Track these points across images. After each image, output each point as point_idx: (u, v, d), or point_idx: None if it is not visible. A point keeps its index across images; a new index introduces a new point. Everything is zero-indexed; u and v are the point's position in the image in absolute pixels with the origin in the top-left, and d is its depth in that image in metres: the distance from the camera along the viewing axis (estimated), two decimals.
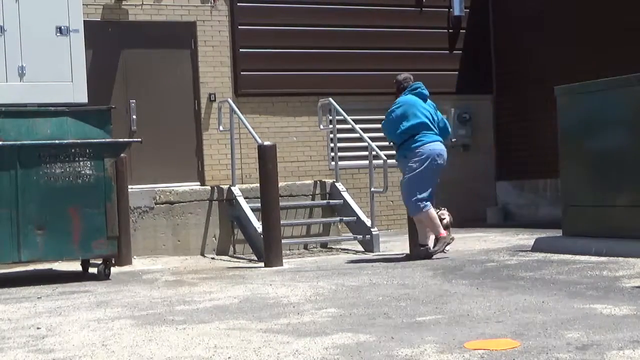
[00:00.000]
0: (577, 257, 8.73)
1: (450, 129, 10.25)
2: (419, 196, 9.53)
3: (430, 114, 9.75)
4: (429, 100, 9.86)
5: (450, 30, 15.29)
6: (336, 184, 12.31)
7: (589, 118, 9.35)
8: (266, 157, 10.05)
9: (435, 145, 9.66)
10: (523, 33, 14.97)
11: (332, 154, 13.18)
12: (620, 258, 8.35)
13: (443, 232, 9.59)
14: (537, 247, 9.68)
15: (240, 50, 13.77)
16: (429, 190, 9.58)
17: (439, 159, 9.66)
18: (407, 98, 9.78)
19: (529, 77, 14.74)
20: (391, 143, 10.22)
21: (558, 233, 9.94)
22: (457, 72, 15.28)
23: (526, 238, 11.17)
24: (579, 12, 13.83)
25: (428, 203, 9.54)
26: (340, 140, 12.91)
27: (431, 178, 9.66)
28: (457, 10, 15.15)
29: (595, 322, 5.20)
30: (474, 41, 15.40)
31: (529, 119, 14.72)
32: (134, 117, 13.03)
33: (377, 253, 10.86)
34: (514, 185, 15.20)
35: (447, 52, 15.26)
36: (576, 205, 9.46)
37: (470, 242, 11.34)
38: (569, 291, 6.60)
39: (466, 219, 14.57)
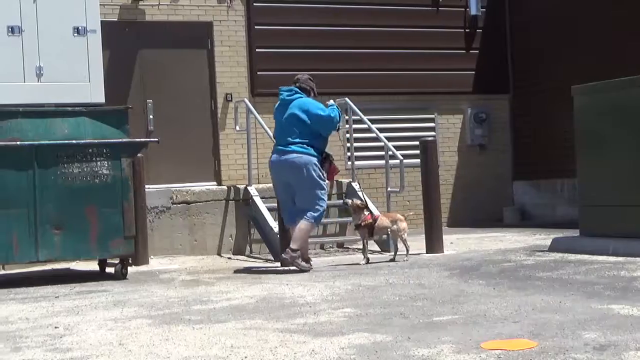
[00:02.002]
0: (595, 257, 8.69)
1: (324, 119, 9.09)
2: None
3: (286, 120, 9.14)
4: (298, 100, 9.20)
5: (466, 30, 15.27)
6: (352, 183, 12.30)
7: (606, 117, 9.30)
8: None
9: (272, 158, 9.27)
10: (540, 32, 14.93)
11: (349, 153, 13.18)
12: (637, 258, 8.30)
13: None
14: (554, 247, 9.65)
15: (257, 50, 13.79)
16: (283, 206, 9.40)
17: (273, 172, 9.24)
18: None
19: (546, 76, 14.69)
20: None
21: (575, 233, 9.90)
22: (473, 72, 15.25)
23: (543, 238, 11.14)
24: (597, 12, 13.77)
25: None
26: (357, 140, 12.89)
27: (277, 191, 9.40)
28: (473, 10, 15.13)
29: (613, 323, 5.18)
30: (491, 41, 15.36)
31: (545, 118, 14.68)
32: (151, 117, 13.07)
33: (393, 253, 10.84)
34: (531, 185, 15.16)
35: (464, 51, 15.23)
36: (593, 205, 9.41)
37: (487, 242, 11.32)
38: (586, 291, 6.57)
39: (483, 219, 14.57)
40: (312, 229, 9.17)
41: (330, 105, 9.35)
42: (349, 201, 9.71)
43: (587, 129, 9.52)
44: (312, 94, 9.43)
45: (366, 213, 9.54)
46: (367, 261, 9.52)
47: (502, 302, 6.23)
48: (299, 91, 9.32)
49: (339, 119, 9.31)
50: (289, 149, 9.06)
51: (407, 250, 9.73)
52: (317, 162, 9.05)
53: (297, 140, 9.05)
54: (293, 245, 8.97)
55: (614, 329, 4.99)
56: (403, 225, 9.70)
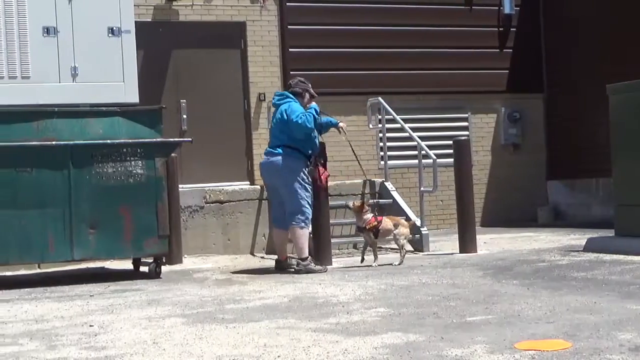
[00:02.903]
0: (630, 257, 8.62)
1: (294, 124, 9.04)
2: None
3: (274, 124, 9.27)
4: (283, 105, 9.24)
5: (500, 29, 15.18)
6: (385, 183, 12.29)
7: None
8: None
9: (262, 160, 9.42)
10: (574, 31, 14.81)
11: (382, 153, 13.16)
12: None
13: (283, 256, 9.41)
14: (589, 247, 9.58)
15: (290, 50, 13.81)
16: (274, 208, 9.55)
17: (261, 173, 9.45)
18: None
19: (581, 75, 14.58)
20: None
21: (610, 233, 9.83)
22: (507, 71, 15.17)
23: (578, 238, 11.06)
24: (632, 11, 13.65)
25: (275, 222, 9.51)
26: (390, 139, 12.88)
27: (270, 195, 9.66)
28: (507, 9, 15.04)
29: None
30: (525, 39, 15.27)
31: (580, 117, 14.57)
32: (185, 116, 13.13)
33: (426, 252, 10.83)
34: (565, 184, 15.05)
35: (497, 50, 15.15)
36: (629, 204, 9.33)
37: (520, 242, 11.26)
38: (621, 292, 6.52)
39: (516, 219, 14.49)
40: (306, 232, 9.23)
41: (309, 108, 9.27)
42: (350, 204, 9.66)
43: (623, 127, 9.44)
44: (308, 95, 9.42)
45: (369, 216, 9.43)
46: (362, 261, 9.45)
47: (536, 302, 6.20)
48: (290, 95, 9.35)
49: (312, 122, 9.13)
50: (276, 151, 9.15)
51: (402, 257, 9.47)
52: (301, 167, 9.10)
53: (283, 144, 9.13)
54: (301, 256, 9.13)
55: None
56: (404, 230, 9.55)
